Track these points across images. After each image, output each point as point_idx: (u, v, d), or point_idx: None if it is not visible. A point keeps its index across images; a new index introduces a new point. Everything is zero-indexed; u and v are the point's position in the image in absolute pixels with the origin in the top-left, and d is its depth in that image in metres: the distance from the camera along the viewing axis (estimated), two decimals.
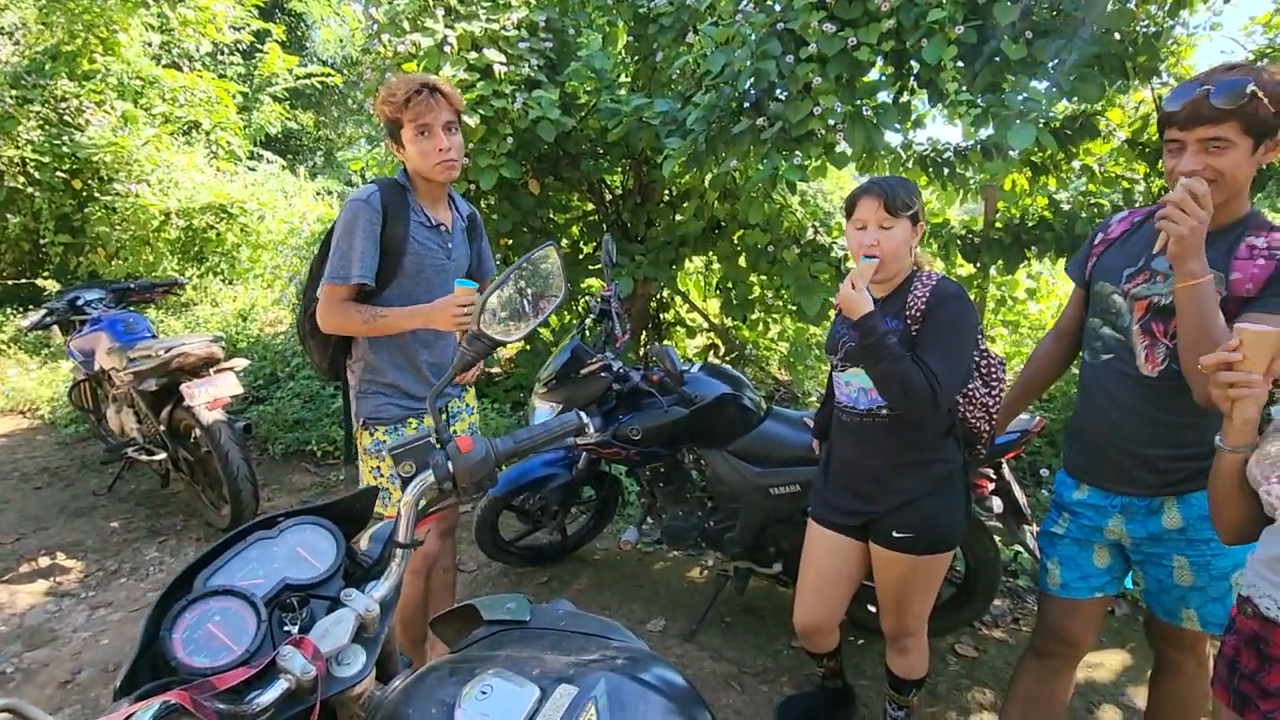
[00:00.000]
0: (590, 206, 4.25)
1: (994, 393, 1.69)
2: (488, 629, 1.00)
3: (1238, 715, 1.15)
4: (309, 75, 7.77)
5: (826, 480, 1.82)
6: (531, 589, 2.90)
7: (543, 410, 2.48)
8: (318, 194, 8.18)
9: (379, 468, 1.94)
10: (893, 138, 4.12)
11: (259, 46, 7.73)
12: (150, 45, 6.72)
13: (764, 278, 4.10)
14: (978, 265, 4.36)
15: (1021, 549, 2.38)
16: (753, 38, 2.72)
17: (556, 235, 4.08)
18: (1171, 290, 1.35)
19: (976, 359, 1.68)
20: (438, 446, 1.02)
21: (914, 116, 3.91)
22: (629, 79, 3.63)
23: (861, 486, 1.70)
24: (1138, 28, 3.43)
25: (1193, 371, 1.31)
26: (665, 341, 4.86)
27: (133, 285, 3.85)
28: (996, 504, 2.38)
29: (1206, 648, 1.62)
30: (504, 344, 1.10)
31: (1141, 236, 1.53)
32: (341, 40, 10.20)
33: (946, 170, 4.08)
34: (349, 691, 0.82)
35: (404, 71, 3.10)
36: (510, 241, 3.69)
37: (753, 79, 2.82)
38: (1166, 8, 3.64)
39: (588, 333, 2.68)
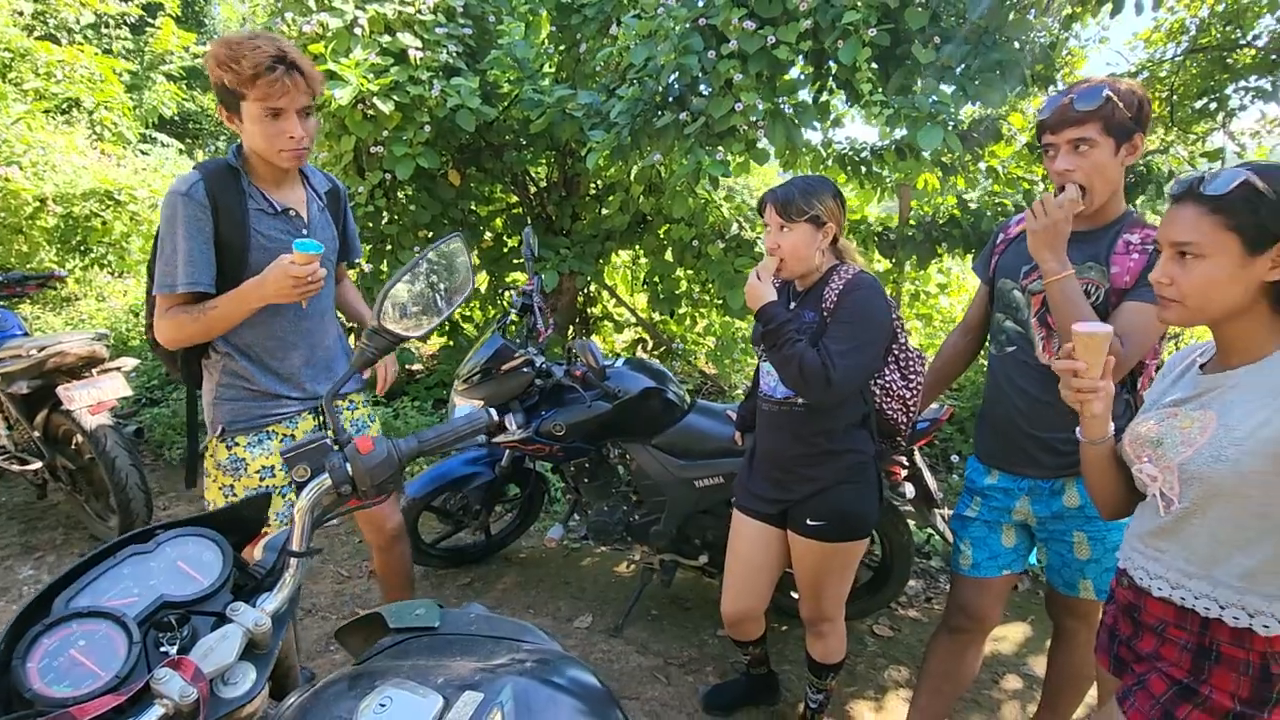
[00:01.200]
0: (514, 199, 4.16)
1: (911, 385, 1.74)
2: (394, 637, 0.95)
3: (1116, 678, 1.22)
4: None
5: (750, 470, 1.85)
6: (454, 591, 2.81)
7: (463, 408, 2.40)
8: None
9: (231, 486, 1.70)
10: (813, 136, 4.25)
11: (150, 21, 7.14)
12: (21, 15, 6.11)
13: (690, 272, 4.14)
14: (893, 261, 4.55)
15: (933, 532, 2.49)
16: (675, 31, 2.73)
17: (479, 228, 3.97)
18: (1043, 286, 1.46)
19: (895, 352, 1.73)
20: (335, 448, 0.96)
21: (833, 116, 4.03)
22: (553, 70, 3.57)
23: (778, 475, 1.74)
24: (1035, 38, 3.66)
25: None
26: (593, 336, 4.83)
27: (1, 278, 3.49)
28: (909, 490, 2.47)
29: (1099, 617, 1.73)
30: (407, 340, 1.05)
31: None
32: (244, 17, 9.53)
33: (864, 169, 4.24)
34: (238, 712, 0.77)
35: (309, 53, 2.93)
36: (430, 234, 3.57)
37: (676, 74, 2.83)
38: (1060, 20, 3.91)
39: (510, 328, 2.62)
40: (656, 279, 4.16)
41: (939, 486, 2.46)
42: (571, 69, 3.39)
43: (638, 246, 4.09)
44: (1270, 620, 1.01)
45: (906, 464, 2.47)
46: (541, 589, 2.82)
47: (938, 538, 2.89)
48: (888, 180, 4.26)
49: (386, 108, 2.80)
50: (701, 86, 2.95)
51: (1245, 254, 0.99)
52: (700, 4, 2.81)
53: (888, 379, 1.72)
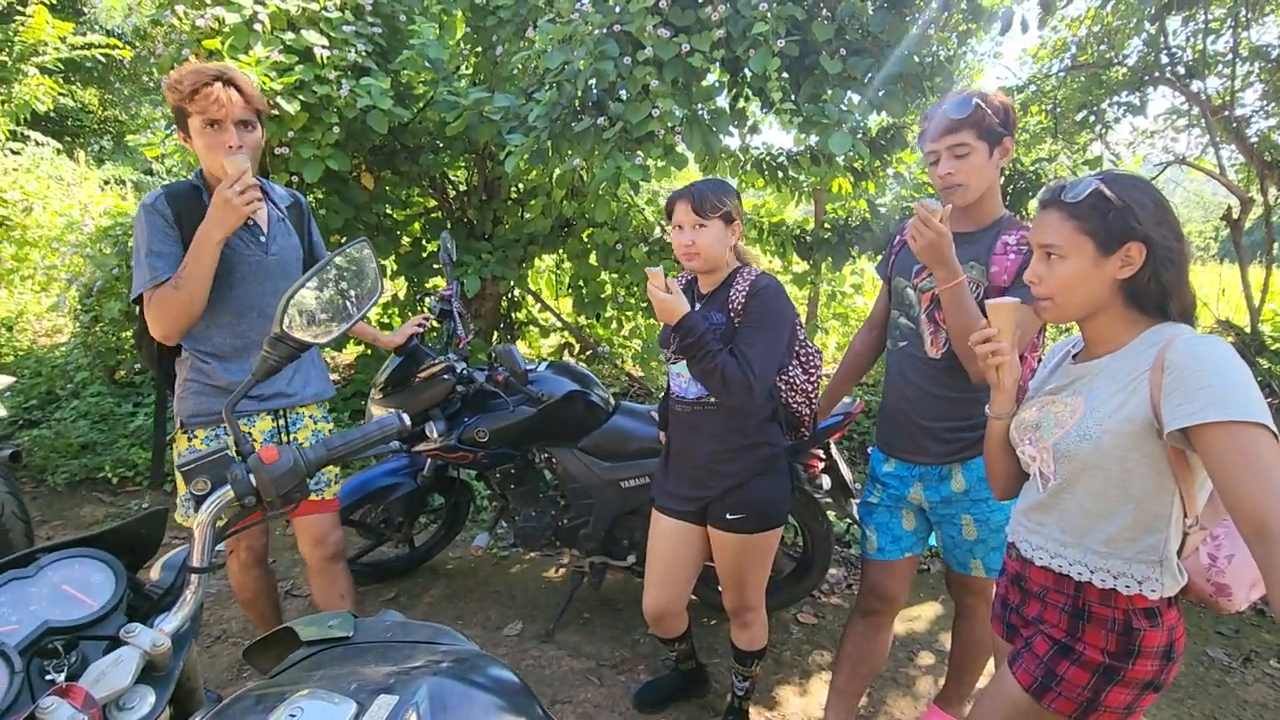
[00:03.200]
0: (432, 203, 4.07)
1: (812, 379, 1.83)
2: (306, 650, 0.93)
3: (1009, 644, 1.32)
4: (89, 46, 6.61)
5: (666, 470, 1.89)
6: (377, 607, 2.73)
7: (380, 417, 2.34)
8: (105, 183, 7.11)
9: None
10: (731, 141, 4.37)
11: (20, 8, 6.52)
12: None
13: (615, 276, 4.16)
14: (811, 262, 4.72)
15: (851, 521, 2.60)
16: (591, 36, 2.75)
17: (395, 232, 3.86)
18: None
19: (796, 348, 1.81)
20: (237, 459, 0.92)
21: (750, 122, 4.16)
22: (469, 71, 3.52)
23: (695, 473, 1.79)
24: (934, 52, 3.89)
25: (964, 353, 1.56)
26: (518, 341, 4.78)
27: None
28: (826, 481, 2.58)
29: (993, 593, 1.86)
30: (310, 347, 1.02)
31: None
32: (129, 7, 8.85)
33: (781, 174, 4.39)
34: None
35: (203, 48, 2.78)
36: (342, 238, 3.44)
37: (593, 78, 2.85)
38: (957, 36, 4.17)
39: (429, 334, 2.57)
40: (581, 283, 4.17)
41: (855, 477, 2.57)
42: (488, 71, 3.35)
43: (561, 251, 4.08)
44: (1130, 580, 1.11)
45: (823, 457, 2.58)
46: (470, 599, 2.77)
47: (855, 527, 3.02)
48: (804, 185, 4.43)
49: (291, 108, 2.69)
50: (621, 92, 2.99)
51: (1098, 255, 1.09)
52: (615, 10, 2.84)
53: (791, 374, 1.80)
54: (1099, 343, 1.17)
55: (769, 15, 2.83)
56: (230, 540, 1.89)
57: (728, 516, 1.74)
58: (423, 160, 3.40)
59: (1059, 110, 5.46)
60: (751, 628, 1.94)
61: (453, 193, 4.04)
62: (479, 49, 3.40)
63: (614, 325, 4.71)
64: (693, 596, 2.04)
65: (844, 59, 3.11)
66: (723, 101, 3.44)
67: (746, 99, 3.87)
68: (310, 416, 1.90)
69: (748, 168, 4.42)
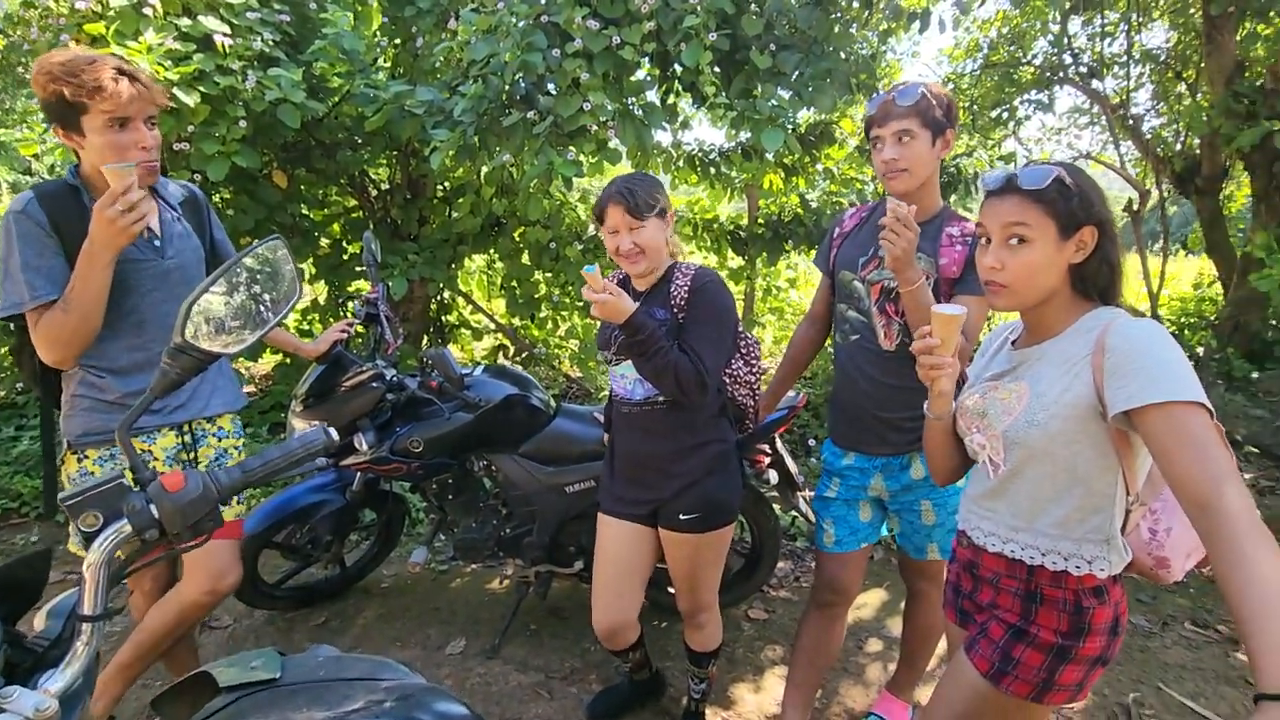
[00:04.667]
0: (353, 202, 3.86)
1: (754, 370, 1.83)
2: (227, 697, 0.82)
3: (962, 630, 1.33)
4: None
5: (613, 473, 1.83)
6: (306, 635, 2.55)
7: (303, 431, 2.18)
8: None
9: None
10: (664, 137, 4.35)
11: None
12: None
13: (549, 275, 4.07)
14: (745, 258, 4.76)
15: (797, 514, 2.61)
16: (517, 28, 2.66)
17: (314, 234, 3.64)
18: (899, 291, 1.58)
19: (738, 342, 1.80)
20: (135, 488, 0.81)
21: (682, 118, 4.15)
22: (388, 64, 3.35)
23: (645, 475, 1.74)
24: (858, 49, 3.98)
25: None
26: (449, 345, 4.61)
27: None
28: (773, 476, 2.58)
29: (945, 576, 1.90)
30: (219, 358, 0.92)
31: (870, 228, 1.75)
32: None
33: (713, 170, 4.40)
34: None
35: (85, 34, 2.52)
36: (254, 241, 3.21)
37: (521, 71, 2.76)
38: (878, 34, 4.29)
39: (355, 340, 2.42)
40: (514, 283, 4.05)
41: (799, 470, 2.59)
42: (409, 64, 3.20)
43: (492, 250, 3.96)
44: (1080, 561, 1.13)
45: (769, 451, 2.58)
46: (408, 618, 2.63)
47: (801, 520, 3.05)
48: (736, 181, 4.46)
49: (190, 100, 2.47)
50: (550, 85, 2.90)
51: (1059, 239, 1.10)
52: (542, 1, 2.75)
53: (734, 367, 1.79)
54: (1041, 328, 1.19)
55: (699, 9, 2.81)
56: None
57: (681, 517, 1.69)
58: (340, 157, 3.21)
59: (975, 107, 5.72)
60: (706, 628, 1.90)
61: (374, 191, 3.85)
62: (398, 40, 3.24)
63: (549, 326, 4.61)
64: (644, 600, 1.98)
65: (773, 54, 3.13)
66: (654, 96, 3.40)
67: (678, 94, 3.86)
68: (218, 431, 1.75)
69: (680, 164, 4.42)
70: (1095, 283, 1.14)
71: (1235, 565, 0.85)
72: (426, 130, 2.86)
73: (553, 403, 2.51)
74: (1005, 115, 5.65)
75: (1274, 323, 4.34)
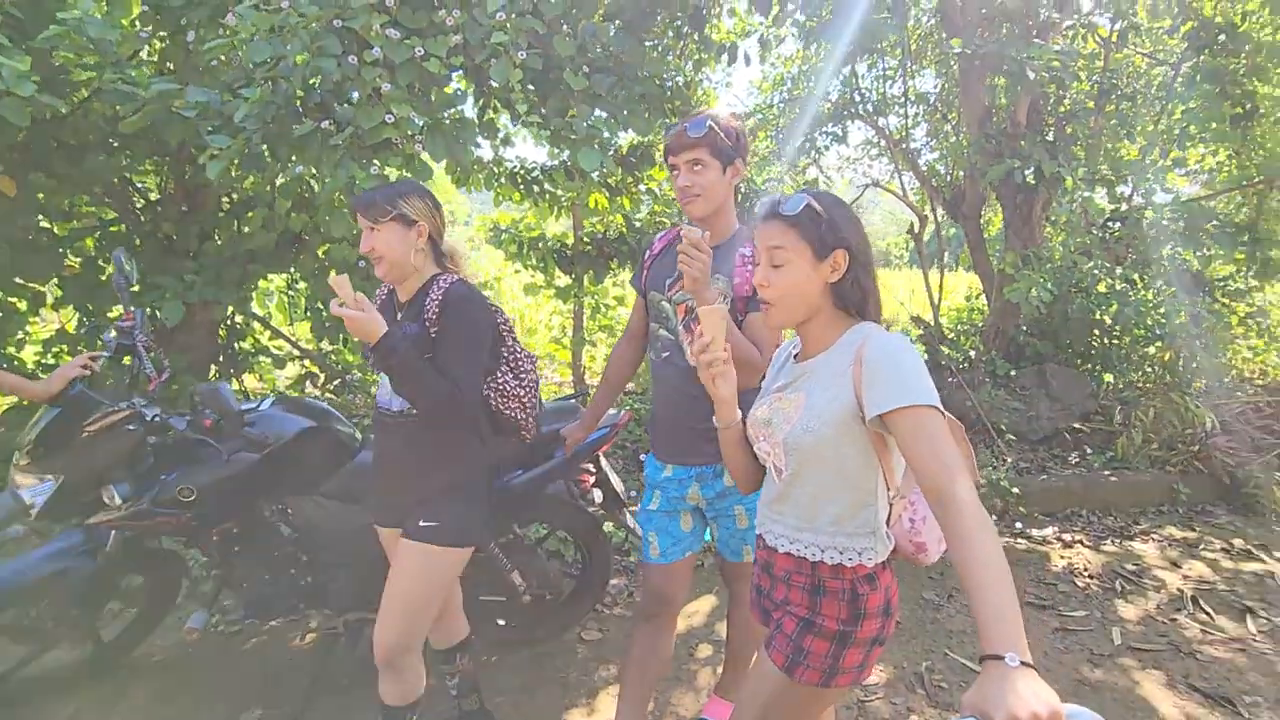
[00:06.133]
0: (111, 214, 3.32)
1: (524, 383, 1.83)
2: None
3: (765, 627, 1.40)
4: None
5: (376, 481, 1.79)
6: None
7: (31, 488, 1.81)
8: None
9: None
10: (485, 152, 4.24)
11: None
12: None
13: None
14: (573, 276, 4.76)
15: (626, 530, 2.61)
16: (304, 30, 2.44)
17: (59, 250, 3.07)
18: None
19: (505, 355, 1.79)
20: None
21: (503, 134, 4.07)
22: (154, 58, 2.94)
23: (400, 484, 1.71)
24: (672, 76, 4.14)
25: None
26: (247, 375, 4.13)
27: None
28: (598, 495, 2.57)
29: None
30: None
31: (675, 251, 1.80)
32: None
33: (537, 188, 4.36)
34: None
35: None
36: None
37: (315, 77, 2.54)
38: (692, 64, 4.51)
39: (104, 375, 2.06)
40: (320, 304, 3.72)
41: (632, 486, 2.59)
42: (181, 60, 2.83)
43: (293, 269, 3.60)
44: (853, 554, 1.23)
45: (593, 470, 2.57)
46: (189, 693, 2.27)
47: (633, 535, 3.06)
48: (562, 199, 4.45)
49: None
50: (353, 94, 2.70)
51: (814, 260, 1.21)
52: (335, 3, 2.55)
53: (501, 380, 1.78)
54: (813, 342, 1.29)
55: (508, 26, 2.75)
56: None
57: (421, 523, 1.65)
58: (90, 162, 2.75)
59: (781, 137, 6.20)
60: (406, 674, 1.75)
61: (141, 202, 3.34)
62: (164, 32, 2.85)
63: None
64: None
65: (588, 76, 3.15)
66: (470, 111, 3.30)
67: (496, 110, 3.78)
68: None
69: (502, 180, 4.33)
70: (850, 301, 1.25)
71: (964, 546, 0.95)
72: (202, 135, 2.54)
73: (359, 434, 2.31)
74: (807, 145, 6.19)
75: (1024, 329, 5.09)
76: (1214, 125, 4.65)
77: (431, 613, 1.71)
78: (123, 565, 2.15)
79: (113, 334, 2.03)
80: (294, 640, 2.59)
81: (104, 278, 3.15)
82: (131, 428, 1.91)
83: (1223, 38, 4.43)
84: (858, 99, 5.91)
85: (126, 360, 2.13)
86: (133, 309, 2.06)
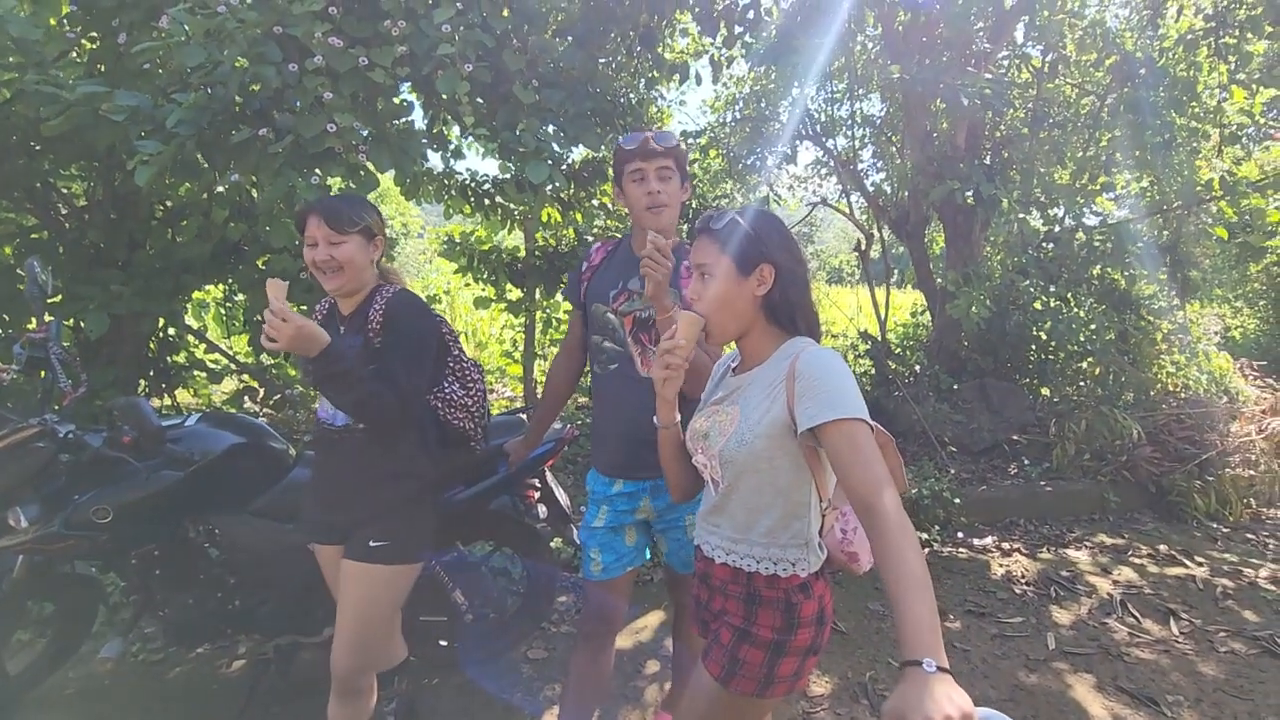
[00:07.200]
0: (31, 220, 3.15)
1: (472, 393, 1.82)
2: None
3: (704, 638, 1.40)
4: None
5: (313, 496, 1.75)
6: None
7: None
8: None
9: None
10: (435, 164, 4.19)
11: None
12: None
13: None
14: (524, 289, 4.73)
15: (573, 545, 2.58)
16: (242, 36, 2.38)
17: None
18: (655, 319, 1.66)
19: (451, 365, 1.78)
20: None
21: (452, 146, 4.03)
22: (83, 60, 2.82)
23: (343, 500, 1.67)
24: (624, 92, 4.18)
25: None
26: (181, 390, 3.96)
27: None
28: (543, 511, 2.54)
29: None
30: None
31: (618, 262, 1.83)
32: None
33: (488, 200, 4.33)
34: None
35: None
36: None
37: (254, 84, 2.48)
38: (645, 82, 4.55)
39: (7, 389, 1.95)
40: (259, 317, 3.59)
41: (580, 501, 2.56)
42: (112, 62, 2.72)
43: (231, 280, 3.48)
44: (787, 564, 1.24)
45: (539, 486, 2.53)
46: None
47: (579, 552, 3.02)
48: (514, 212, 4.42)
49: None
50: (296, 103, 2.64)
51: (738, 274, 1.24)
52: (276, 8, 2.50)
53: (448, 391, 1.77)
54: (749, 356, 1.31)
55: (455, 38, 2.74)
56: None
57: (370, 544, 1.61)
58: (8, 166, 2.61)
59: (733, 155, 6.31)
60: (363, 696, 1.70)
61: (65, 209, 3.19)
62: (94, 34, 2.75)
63: None
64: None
65: (538, 90, 3.15)
66: (420, 122, 3.26)
67: (445, 122, 3.75)
68: None
69: (453, 193, 4.28)
70: (781, 314, 1.27)
71: (888, 556, 0.98)
72: (132, 140, 2.44)
73: (292, 450, 2.23)
74: (758, 164, 6.31)
75: (966, 344, 5.26)
76: (1137, 153, 4.92)
77: (387, 630, 1.69)
78: (31, 591, 2.02)
79: (22, 346, 1.92)
80: (221, 668, 2.47)
81: (21, 286, 2.99)
82: (41, 445, 1.80)
83: (1143, 71, 4.70)
84: (807, 120, 6.06)
85: (41, 374, 2.02)
86: (48, 320, 1.95)
